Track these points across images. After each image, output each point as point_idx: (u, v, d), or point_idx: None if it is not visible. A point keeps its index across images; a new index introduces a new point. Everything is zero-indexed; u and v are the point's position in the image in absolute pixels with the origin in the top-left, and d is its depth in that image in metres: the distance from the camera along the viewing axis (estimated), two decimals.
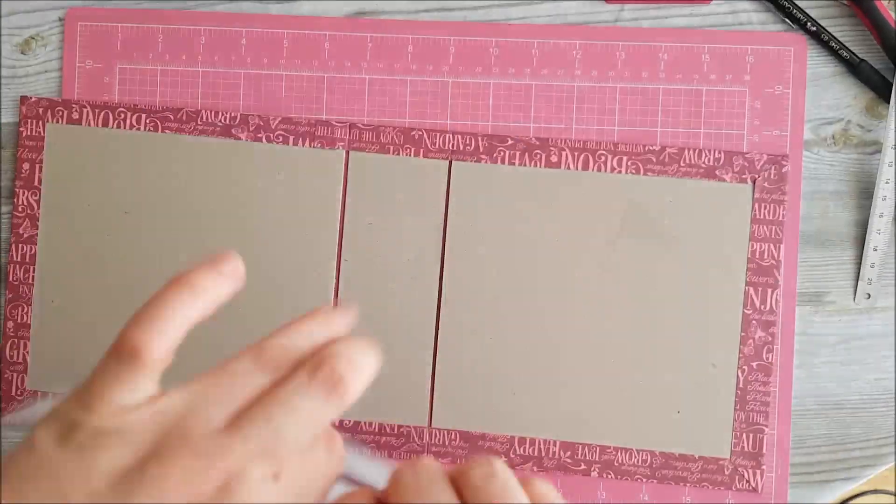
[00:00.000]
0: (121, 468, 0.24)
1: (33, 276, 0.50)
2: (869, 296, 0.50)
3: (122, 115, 0.50)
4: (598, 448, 0.49)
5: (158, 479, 0.24)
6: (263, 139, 0.50)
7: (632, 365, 0.49)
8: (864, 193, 0.50)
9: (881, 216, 0.49)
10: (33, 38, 0.51)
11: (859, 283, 0.50)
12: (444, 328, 0.49)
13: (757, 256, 0.49)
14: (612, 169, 0.49)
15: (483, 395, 0.49)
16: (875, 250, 0.50)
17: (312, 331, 0.29)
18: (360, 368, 0.28)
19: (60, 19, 0.51)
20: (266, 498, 0.24)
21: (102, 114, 0.50)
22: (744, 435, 0.49)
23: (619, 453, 0.49)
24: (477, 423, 0.49)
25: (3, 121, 0.51)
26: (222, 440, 0.25)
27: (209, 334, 0.51)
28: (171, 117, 0.50)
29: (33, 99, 0.50)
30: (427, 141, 0.50)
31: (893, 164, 0.49)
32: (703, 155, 0.49)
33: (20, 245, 0.50)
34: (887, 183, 0.49)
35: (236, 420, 0.26)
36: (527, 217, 0.49)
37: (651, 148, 0.49)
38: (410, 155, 0.50)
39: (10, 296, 0.50)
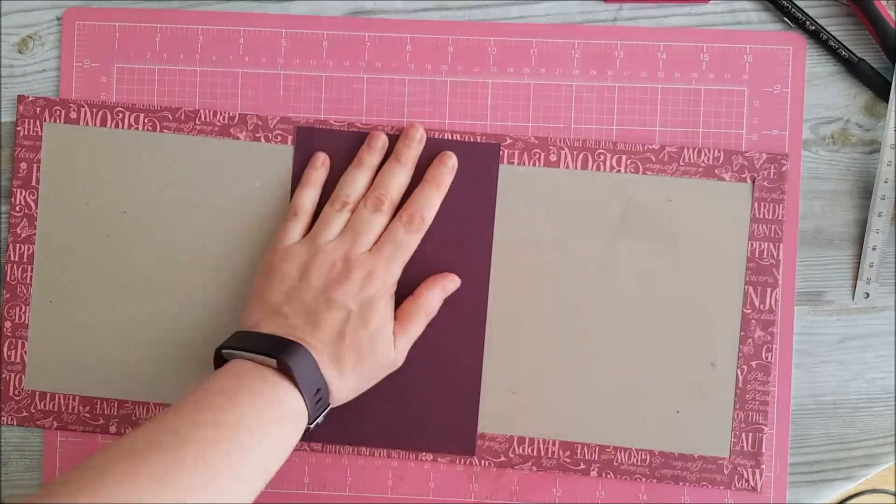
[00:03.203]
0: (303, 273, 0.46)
1: (31, 276, 0.50)
2: (868, 295, 0.50)
3: (120, 115, 0.50)
4: (597, 448, 0.49)
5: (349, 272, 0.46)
6: (262, 138, 0.50)
7: (631, 364, 0.49)
8: (863, 192, 0.50)
9: (880, 216, 0.49)
10: (31, 38, 0.51)
11: (858, 282, 0.50)
12: None
13: (756, 255, 0.49)
14: (612, 168, 0.49)
15: (483, 394, 0.49)
16: (874, 250, 0.49)
17: (399, 176, 0.48)
18: (431, 208, 0.48)
19: (58, 19, 0.51)
20: (379, 289, 0.45)
21: (100, 113, 0.50)
22: (743, 434, 0.49)
23: (618, 453, 0.49)
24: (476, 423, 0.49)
25: (1, 120, 0.51)
26: (370, 258, 0.46)
27: (211, 333, 0.51)
28: (170, 117, 0.50)
29: (31, 98, 0.50)
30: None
31: (892, 163, 0.49)
32: (703, 154, 0.49)
33: (18, 245, 0.50)
34: (885, 182, 0.49)
35: (374, 247, 0.47)
36: (525, 216, 0.49)
37: (650, 147, 0.49)
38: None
39: (8, 296, 0.50)
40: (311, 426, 0.43)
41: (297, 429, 0.42)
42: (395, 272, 0.46)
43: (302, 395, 0.42)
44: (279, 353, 0.42)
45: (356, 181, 0.48)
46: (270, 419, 0.40)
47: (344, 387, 0.44)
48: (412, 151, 0.48)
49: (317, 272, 0.45)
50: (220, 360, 0.44)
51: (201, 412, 0.39)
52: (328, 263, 0.45)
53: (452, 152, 0.48)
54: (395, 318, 0.46)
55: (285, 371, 0.42)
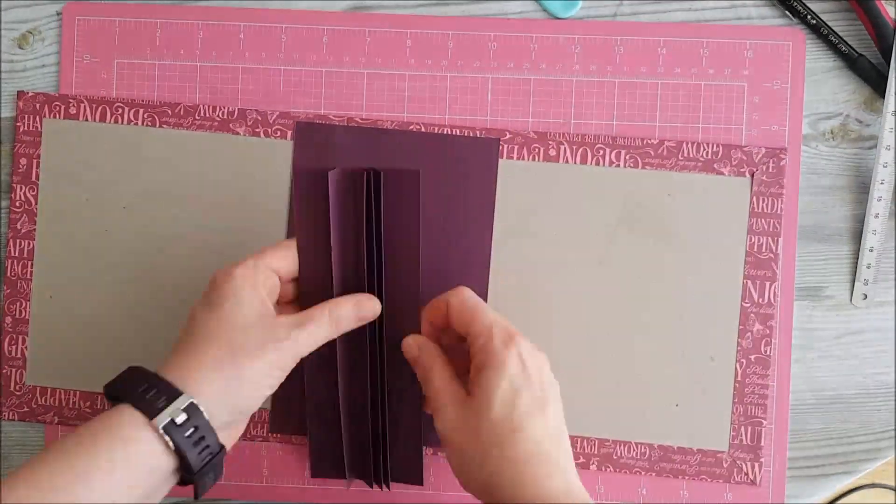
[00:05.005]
0: None
1: (31, 272, 0.50)
2: (865, 296, 0.50)
3: (120, 110, 0.50)
4: (596, 441, 0.49)
5: None
6: (262, 134, 0.50)
7: (630, 358, 0.49)
8: (863, 188, 0.50)
9: (876, 216, 0.49)
10: (31, 33, 0.51)
11: (856, 283, 0.50)
12: None
13: (755, 250, 0.49)
14: (611, 163, 0.49)
15: None
16: (871, 250, 0.50)
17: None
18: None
19: (58, 14, 0.51)
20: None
21: (100, 109, 0.50)
22: (742, 428, 0.49)
23: (617, 446, 0.49)
24: None
25: (1, 115, 0.51)
26: None
27: None
28: (169, 112, 0.50)
29: (30, 94, 0.50)
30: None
31: (889, 164, 0.49)
32: (702, 148, 0.49)
33: (18, 240, 0.50)
34: (882, 183, 0.49)
35: None
36: (525, 211, 0.49)
37: (649, 141, 0.49)
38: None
39: (8, 291, 0.50)
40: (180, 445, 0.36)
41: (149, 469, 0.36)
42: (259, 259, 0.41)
43: (134, 405, 0.36)
44: (108, 385, 0.38)
45: None
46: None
47: (203, 383, 0.37)
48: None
49: None
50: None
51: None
52: None
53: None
54: (294, 313, 0.41)
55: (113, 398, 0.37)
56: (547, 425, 0.40)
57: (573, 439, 0.49)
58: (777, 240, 0.49)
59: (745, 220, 0.49)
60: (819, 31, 0.50)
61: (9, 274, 0.50)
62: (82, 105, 0.50)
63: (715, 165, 0.49)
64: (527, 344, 0.41)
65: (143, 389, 0.36)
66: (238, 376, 0.38)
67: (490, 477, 0.39)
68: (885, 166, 0.49)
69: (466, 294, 0.42)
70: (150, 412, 0.36)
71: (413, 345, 0.43)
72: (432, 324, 0.44)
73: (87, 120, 0.50)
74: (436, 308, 0.43)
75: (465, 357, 0.42)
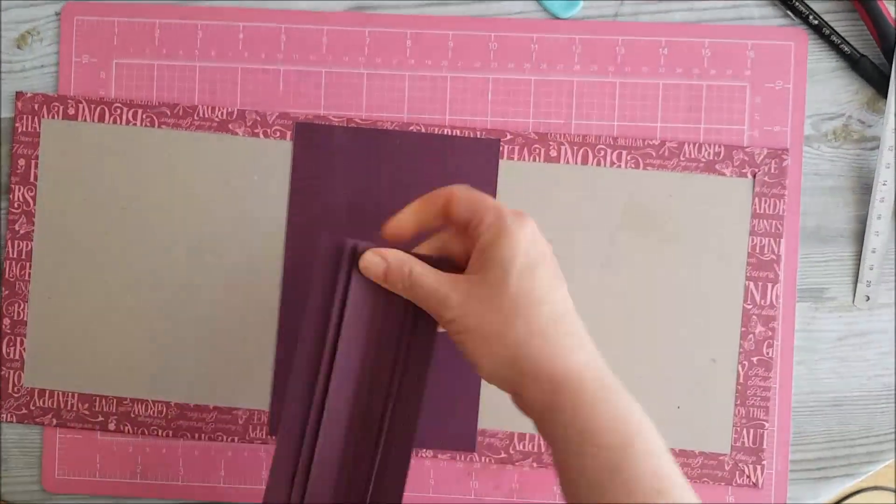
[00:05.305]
0: None
1: (30, 273, 0.50)
2: (868, 298, 0.50)
3: (119, 111, 0.50)
4: None
5: None
6: (261, 134, 0.50)
7: (632, 360, 0.49)
8: (865, 189, 0.50)
9: (879, 217, 0.49)
10: (29, 33, 0.51)
11: (858, 285, 0.50)
12: None
13: (757, 251, 0.49)
14: (612, 163, 0.49)
15: (483, 391, 0.49)
16: (873, 252, 0.49)
17: None
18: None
19: (57, 14, 0.51)
20: None
21: (98, 109, 0.50)
22: (744, 430, 0.49)
23: None
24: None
25: None
26: None
27: (210, 330, 0.51)
28: (168, 113, 0.50)
29: (29, 94, 0.50)
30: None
31: (891, 165, 0.49)
32: (703, 149, 0.49)
33: (16, 241, 0.50)
34: (884, 185, 0.49)
35: None
36: (525, 212, 0.49)
37: (651, 142, 0.49)
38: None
39: (7, 293, 0.50)
40: None
41: None
42: None
43: None
44: None
45: None
46: None
47: None
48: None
49: None
50: None
51: None
52: None
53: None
54: None
55: None
56: (567, 298, 0.39)
57: None
58: (779, 241, 0.49)
59: (747, 222, 0.49)
60: (821, 31, 0.49)
61: (7, 275, 0.50)
62: (81, 106, 0.50)
63: (717, 166, 0.49)
64: (535, 224, 0.39)
65: None
66: None
67: (517, 349, 0.37)
68: (887, 167, 0.49)
69: (468, 186, 0.40)
70: None
71: (376, 260, 0.39)
72: (418, 221, 0.41)
73: (85, 120, 0.50)
74: (430, 202, 0.40)
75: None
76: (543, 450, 0.49)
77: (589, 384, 0.37)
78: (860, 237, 0.50)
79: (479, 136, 0.49)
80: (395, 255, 0.39)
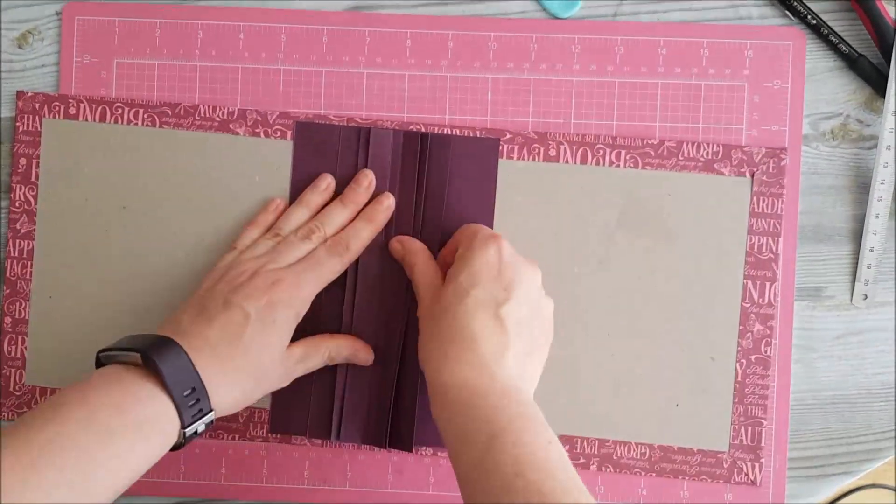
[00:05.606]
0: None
1: (31, 272, 0.50)
2: (866, 297, 0.50)
3: (120, 111, 0.50)
4: (596, 441, 0.49)
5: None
6: (261, 134, 0.50)
7: (630, 358, 0.49)
8: (863, 188, 0.50)
9: (877, 216, 0.49)
10: (30, 33, 0.51)
11: (856, 284, 0.50)
12: None
13: (755, 250, 0.49)
14: (611, 163, 0.49)
15: None
16: (871, 251, 0.50)
17: (338, 216, 0.48)
18: (358, 239, 0.47)
19: (58, 13, 0.51)
20: (282, 299, 0.44)
21: (99, 109, 0.50)
22: (742, 428, 0.49)
23: (617, 447, 0.49)
24: None
25: (1, 115, 0.51)
26: (281, 270, 0.45)
27: None
28: (169, 112, 0.50)
29: (30, 94, 0.50)
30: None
31: (889, 164, 0.49)
32: (702, 148, 0.49)
33: (17, 241, 0.50)
34: (882, 183, 0.49)
35: (292, 264, 0.46)
36: (525, 211, 0.49)
37: (649, 142, 0.49)
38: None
39: (8, 291, 0.50)
40: (188, 432, 0.40)
41: (162, 435, 0.40)
42: (307, 289, 0.45)
43: (170, 393, 0.39)
44: (145, 347, 0.40)
45: (294, 216, 0.48)
46: (124, 424, 0.38)
47: (225, 391, 0.42)
48: (359, 197, 0.48)
49: (226, 280, 0.44)
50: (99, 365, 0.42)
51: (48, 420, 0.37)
52: (239, 272, 0.45)
53: (391, 193, 0.48)
54: (299, 343, 0.45)
55: (152, 368, 0.40)
56: (492, 322, 0.42)
57: (573, 439, 0.49)
58: (777, 240, 0.49)
59: (746, 221, 0.49)
60: (819, 31, 0.50)
61: (8, 274, 0.50)
62: (82, 105, 0.50)
63: (715, 165, 0.49)
64: (512, 249, 0.44)
65: (187, 394, 0.40)
66: (252, 397, 0.44)
67: (428, 353, 0.43)
68: (885, 166, 0.49)
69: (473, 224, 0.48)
70: (185, 420, 0.40)
71: (398, 247, 0.48)
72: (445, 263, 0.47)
73: (86, 120, 0.50)
74: (451, 250, 0.47)
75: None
76: None
77: (464, 394, 0.41)
78: (858, 236, 0.50)
79: (478, 136, 0.49)
80: (410, 244, 0.48)
